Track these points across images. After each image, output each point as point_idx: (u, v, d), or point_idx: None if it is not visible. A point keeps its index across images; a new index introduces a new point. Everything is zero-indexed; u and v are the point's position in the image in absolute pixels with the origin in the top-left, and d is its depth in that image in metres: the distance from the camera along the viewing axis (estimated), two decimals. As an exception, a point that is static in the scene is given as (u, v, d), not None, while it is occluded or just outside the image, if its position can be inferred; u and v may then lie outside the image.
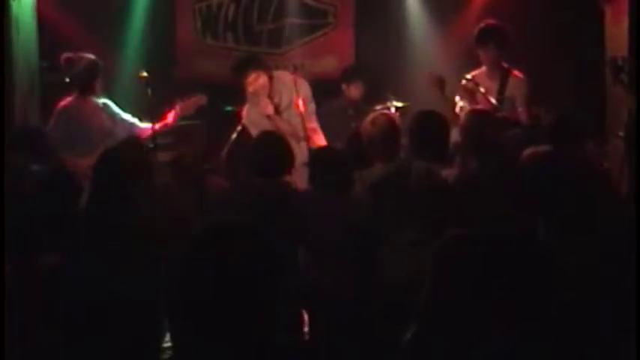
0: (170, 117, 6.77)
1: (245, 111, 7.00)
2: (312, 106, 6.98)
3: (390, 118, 5.53)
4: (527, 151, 4.46)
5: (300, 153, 6.32)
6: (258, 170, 5.11)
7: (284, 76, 7.00)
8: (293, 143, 6.43)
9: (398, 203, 4.71)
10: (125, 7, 8.77)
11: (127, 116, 6.77)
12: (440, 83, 6.52)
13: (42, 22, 7.60)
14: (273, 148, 5.22)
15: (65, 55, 6.75)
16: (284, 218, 4.64)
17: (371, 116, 5.60)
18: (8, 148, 5.29)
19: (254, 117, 6.89)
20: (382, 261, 4.46)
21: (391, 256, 4.61)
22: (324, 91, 8.13)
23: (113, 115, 6.70)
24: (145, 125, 6.75)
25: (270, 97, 6.83)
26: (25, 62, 7.20)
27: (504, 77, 6.71)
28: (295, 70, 7.10)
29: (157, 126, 6.70)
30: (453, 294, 3.03)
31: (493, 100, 6.53)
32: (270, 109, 6.80)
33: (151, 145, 6.67)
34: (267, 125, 6.70)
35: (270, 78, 6.85)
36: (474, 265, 2.95)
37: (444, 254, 3.18)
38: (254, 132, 6.64)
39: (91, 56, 6.74)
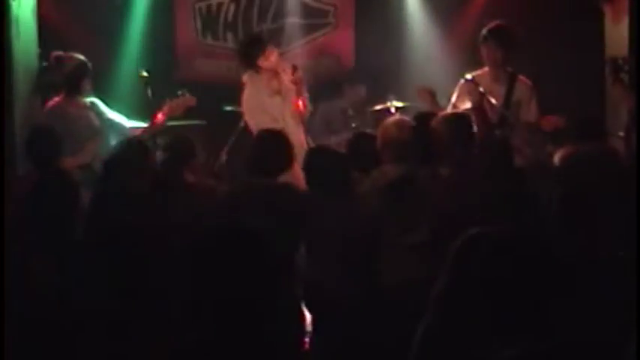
0: (159, 117, 6.73)
1: (245, 94, 6.80)
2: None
3: (410, 123, 5.48)
4: (563, 152, 4.52)
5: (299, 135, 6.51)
6: (258, 170, 5.09)
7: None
8: (293, 124, 6.58)
9: (410, 204, 4.72)
10: (125, 7, 8.78)
11: (115, 115, 6.74)
12: (429, 96, 6.48)
13: (42, 22, 7.60)
14: (273, 145, 5.19)
15: (55, 53, 6.75)
16: (284, 219, 4.64)
17: (393, 120, 5.52)
18: (8, 148, 5.31)
19: (256, 99, 6.73)
20: (389, 262, 4.48)
21: (400, 256, 4.62)
22: (324, 91, 8.15)
23: (99, 114, 6.68)
24: (133, 124, 6.72)
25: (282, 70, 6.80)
26: (25, 62, 7.19)
27: (511, 81, 6.66)
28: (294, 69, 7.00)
29: (148, 127, 6.67)
30: (469, 291, 3.03)
31: (493, 101, 6.51)
32: (289, 74, 6.72)
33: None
34: (270, 104, 6.65)
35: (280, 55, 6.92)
36: (493, 264, 2.94)
37: (465, 251, 3.18)
38: (254, 114, 6.65)
39: (80, 57, 6.72)
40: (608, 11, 8.16)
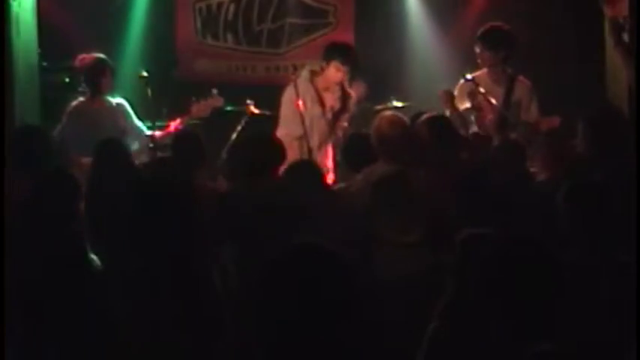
0: (183, 119, 6.72)
1: (293, 87, 6.66)
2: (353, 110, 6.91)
3: (403, 121, 5.49)
4: None
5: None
6: (248, 171, 5.09)
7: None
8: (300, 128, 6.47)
9: (403, 202, 4.71)
10: (125, 7, 8.79)
11: (139, 123, 6.75)
12: (450, 98, 6.49)
13: (42, 22, 7.60)
14: (259, 147, 5.20)
15: (81, 56, 6.77)
16: (282, 218, 4.63)
17: (386, 116, 5.53)
18: (8, 148, 5.28)
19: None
20: (384, 260, 4.47)
21: (391, 255, 4.62)
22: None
23: (126, 117, 6.69)
24: (149, 132, 6.70)
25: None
26: (25, 62, 7.19)
27: (511, 82, 6.66)
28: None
29: (172, 128, 6.66)
30: (477, 292, 3.03)
31: (493, 101, 6.51)
32: (341, 76, 6.59)
33: (151, 145, 6.66)
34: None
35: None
36: (495, 265, 2.95)
37: (467, 253, 3.19)
38: (285, 111, 6.61)
39: (100, 55, 6.75)
40: (608, 12, 8.14)
